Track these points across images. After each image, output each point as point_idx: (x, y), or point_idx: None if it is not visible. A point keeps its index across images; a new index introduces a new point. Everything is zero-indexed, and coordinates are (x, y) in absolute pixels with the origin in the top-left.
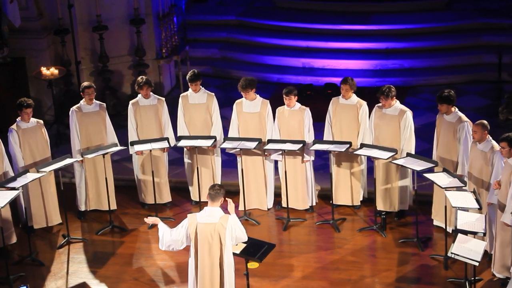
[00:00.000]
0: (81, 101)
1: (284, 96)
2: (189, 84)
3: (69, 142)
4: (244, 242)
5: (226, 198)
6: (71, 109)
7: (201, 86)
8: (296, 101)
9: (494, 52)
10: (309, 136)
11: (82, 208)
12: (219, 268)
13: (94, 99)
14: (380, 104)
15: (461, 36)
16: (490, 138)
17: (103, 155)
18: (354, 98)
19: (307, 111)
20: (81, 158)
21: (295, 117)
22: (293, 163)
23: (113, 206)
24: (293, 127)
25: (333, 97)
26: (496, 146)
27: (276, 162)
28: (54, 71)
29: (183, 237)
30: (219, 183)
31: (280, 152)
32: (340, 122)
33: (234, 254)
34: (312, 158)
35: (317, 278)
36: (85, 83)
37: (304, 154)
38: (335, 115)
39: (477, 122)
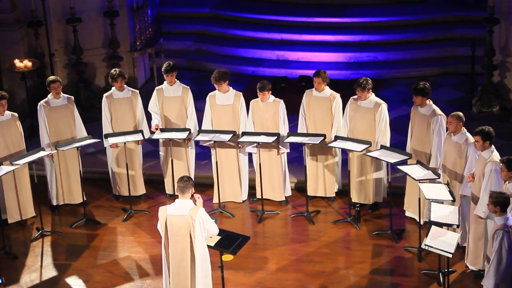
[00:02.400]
0: (49, 95)
1: (258, 91)
2: (164, 75)
3: None
4: (217, 234)
5: (195, 194)
6: (39, 103)
7: (176, 79)
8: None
9: (467, 45)
10: (284, 128)
11: (54, 202)
12: (190, 260)
13: (62, 93)
14: (355, 97)
15: (435, 29)
16: (465, 130)
17: (77, 147)
18: (327, 90)
19: (281, 104)
20: (54, 151)
21: (270, 110)
22: (268, 156)
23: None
24: (267, 119)
25: (306, 90)
26: (471, 139)
27: (250, 154)
28: (27, 63)
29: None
30: (188, 175)
31: (255, 144)
32: (313, 114)
33: (208, 246)
34: (288, 150)
35: (291, 270)
36: (51, 78)
37: (280, 146)
38: (309, 107)
39: (453, 113)
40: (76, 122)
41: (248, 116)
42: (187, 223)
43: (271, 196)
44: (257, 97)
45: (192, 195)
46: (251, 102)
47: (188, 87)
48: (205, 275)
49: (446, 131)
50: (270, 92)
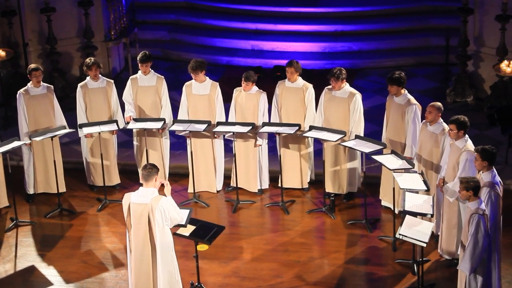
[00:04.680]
0: (29, 84)
1: (242, 80)
2: (139, 65)
3: (17, 125)
4: (192, 224)
5: (164, 182)
6: (18, 92)
7: (150, 69)
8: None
9: (441, 35)
10: (263, 120)
11: (31, 191)
12: (150, 249)
13: (41, 82)
14: (330, 87)
15: (409, 19)
16: (442, 120)
17: (52, 137)
18: (300, 81)
19: (262, 95)
20: (29, 141)
21: (251, 101)
22: (245, 146)
23: (62, 189)
24: (248, 110)
25: (279, 81)
26: (447, 129)
27: (226, 144)
28: (1, 53)
29: None
30: (152, 163)
31: (231, 134)
32: (287, 105)
33: (183, 236)
34: (265, 142)
35: (266, 260)
36: (32, 65)
37: (257, 138)
38: (282, 98)
39: (433, 103)
40: (55, 111)
41: (231, 104)
42: (147, 211)
43: (246, 186)
44: (232, 86)
45: (162, 185)
46: (235, 90)
47: (163, 76)
48: (167, 264)
49: (422, 121)
50: (254, 83)
